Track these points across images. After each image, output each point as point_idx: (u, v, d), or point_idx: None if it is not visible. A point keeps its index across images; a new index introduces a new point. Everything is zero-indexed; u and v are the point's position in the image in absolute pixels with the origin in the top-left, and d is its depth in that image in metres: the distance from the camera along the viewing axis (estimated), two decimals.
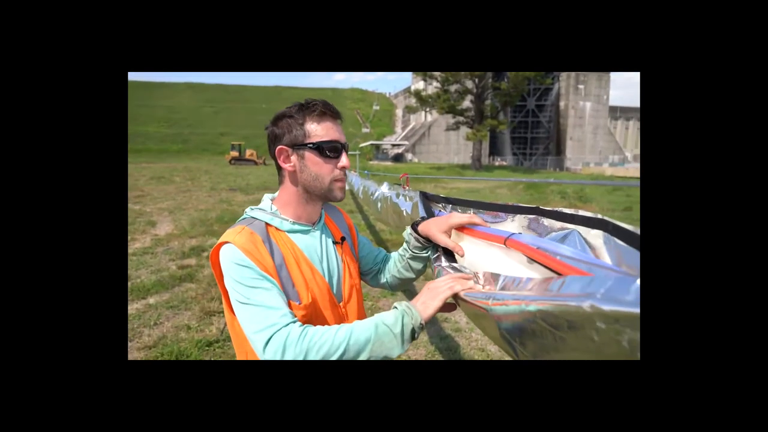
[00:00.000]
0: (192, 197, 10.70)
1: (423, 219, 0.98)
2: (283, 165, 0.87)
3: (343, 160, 0.87)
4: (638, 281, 0.33)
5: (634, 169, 27.57)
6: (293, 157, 0.86)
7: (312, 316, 0.82)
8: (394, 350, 0.70)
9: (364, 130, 49.53)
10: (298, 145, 0.84)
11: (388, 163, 33.87)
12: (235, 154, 30.33)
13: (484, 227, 0.82)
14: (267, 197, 0.93)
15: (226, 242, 0.80)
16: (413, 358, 2.77)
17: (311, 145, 0.84)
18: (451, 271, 0.70)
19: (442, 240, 0.88)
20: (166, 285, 3.97)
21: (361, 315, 0.96)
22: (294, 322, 0.73)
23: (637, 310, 0.33)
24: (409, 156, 40.45)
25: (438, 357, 2.79)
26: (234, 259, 0.77)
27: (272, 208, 0.89)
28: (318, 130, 0.84)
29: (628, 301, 0.34)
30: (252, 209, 0.90)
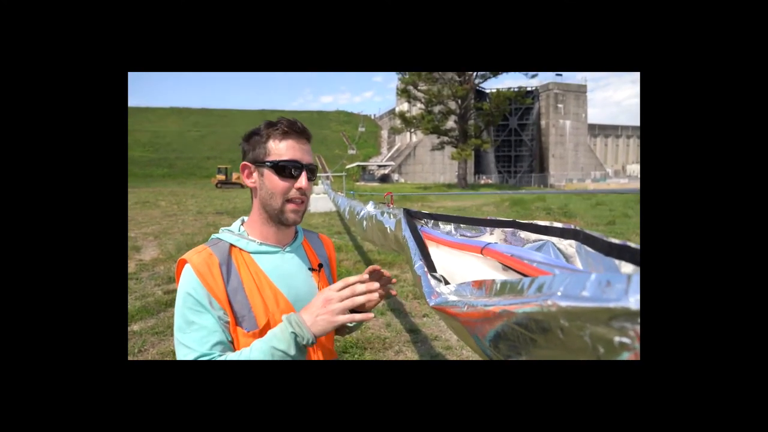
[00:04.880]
0: (178, 221, 10.57)
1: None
2: (245, 180, 0.87)
3: (301, 181, 0.84)
4: (594, 275, 0.36)
5: (615, 184, 28.24)
6: (255, 174, 0.86)
7: None
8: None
9: (350, 151, 49.89)
10: (259, 162, 0.84)
11: (375, 184, 34.09)
12: (221, 177, 30.21)
13: (461, 239, 0.86)
14: (240, 219, 0.93)
15: (183, 260, 0.81)
16: None
17: (269, 163, 0.83)
18: (431, 279, 0.72)
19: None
20: (152, 311, 3.89)
21: (329, 345, 0.93)
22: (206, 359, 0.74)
23: (593, 305, 0.36)
24: (395, 176, 40.79)
25: None
26: (186, 283, 0.78)
27: (240, 230, 0.89)
28: (278, 148, 0.83)
29: (585, 297, 0.37)
30: (222, 231, 0.90)
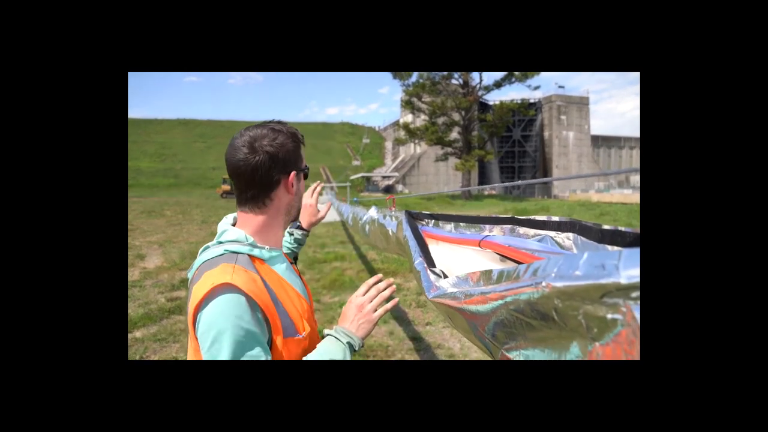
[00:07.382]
0: (183, 230, 10.62)
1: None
2: (289, 188, 0.83)
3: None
4: (586, 255, 0.37)
5: (619, 195, 28.23)
6: (295, 181, 0.84)
7: (312, 344, 0.81)
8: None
9: (355, 162, 50.08)
10: (300, 169, 0.85)
11: (379, 195, 34.14)
12: (226, 187, 30.32)
13: (460, 234, 0.86)
14: (236, 231, 0.81)
15: (225, 284, 0.67)
16: None
17: (306, 169, 0.91)
18: (431, 274, 0.73)
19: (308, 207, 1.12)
20: (154, 318, 3.89)
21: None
22: None
23: (586, 282, 0.36)
24: (399, 187, 40.83)
25: None
26: (236, 312, 0.66)
27: (248, 239, 0.80)
28: (302, 155, 0.90)
29: (578, 276, 0.37)
30: (222, 243, 0.79)
